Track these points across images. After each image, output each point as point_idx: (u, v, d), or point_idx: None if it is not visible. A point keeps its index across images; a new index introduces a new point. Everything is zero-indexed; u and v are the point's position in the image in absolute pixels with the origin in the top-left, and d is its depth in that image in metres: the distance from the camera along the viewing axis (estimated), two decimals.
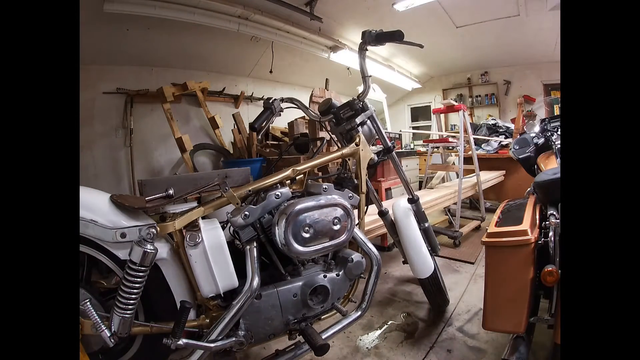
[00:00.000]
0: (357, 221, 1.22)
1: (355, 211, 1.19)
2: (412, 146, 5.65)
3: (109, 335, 0.90)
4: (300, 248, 1.02)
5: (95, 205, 0.94)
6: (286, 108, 1.34)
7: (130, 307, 0.91)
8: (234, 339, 1.01)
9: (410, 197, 1.54)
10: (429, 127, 6.24)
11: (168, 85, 3.24)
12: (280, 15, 3.22)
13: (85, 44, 2.81)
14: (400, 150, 4.34)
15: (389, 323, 1.68)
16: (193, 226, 1.02)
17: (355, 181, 1.27)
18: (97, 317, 0.89)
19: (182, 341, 0.92)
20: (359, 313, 1.24)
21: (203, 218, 1.05)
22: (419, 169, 4.33)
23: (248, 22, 3.11)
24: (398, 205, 1.55)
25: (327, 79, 3.59)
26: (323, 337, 1.11)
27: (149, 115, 3.48)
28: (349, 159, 1.29)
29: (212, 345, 0.97)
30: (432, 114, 6.05)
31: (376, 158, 1.34)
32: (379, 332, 1.61)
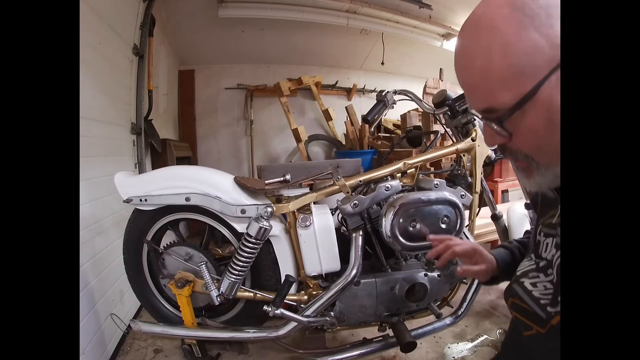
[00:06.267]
0: (467, 222, 1.15)
1: (467, 212, 1.12)
2: None
3: (216, 294, 1.05)
4: (404, 242, 1.01)
5: (220, 184, 1.08)
6: (399, 100, 1.32)
7: (241, 273, 1.05)
8: (327, 318, 1.07)
9: (528, 202, 1.36)
10: None
11: (284, 80, 3.52)
12: (388, 5, 3.14)
13: (206, 46, 3.34)
14: None
15: (482, 337, 1.53)
16: (305, 209, 1.11)
17: (470, 179, 1.19)
18: (209, 277, 1.05)
19: (280, 311, 1.01)
20: (453, 319, 1.19)
21: (314, 203, 1.13)
22: None
23: (356, 15, 3.13)
24: (514, 210, 1.40)
25: (441, 69, 3.36)
26: (412, 335, 1.09)
27: (267, 108, 3.88)
28: (463, 155, 1.21)
29: (305, 319, 1.05)
30: None
31: (494, 155, 1.22)
32: (470, 345, 1.48)
